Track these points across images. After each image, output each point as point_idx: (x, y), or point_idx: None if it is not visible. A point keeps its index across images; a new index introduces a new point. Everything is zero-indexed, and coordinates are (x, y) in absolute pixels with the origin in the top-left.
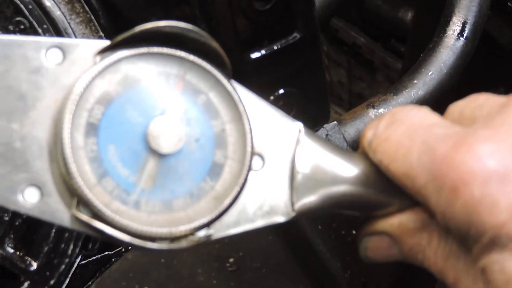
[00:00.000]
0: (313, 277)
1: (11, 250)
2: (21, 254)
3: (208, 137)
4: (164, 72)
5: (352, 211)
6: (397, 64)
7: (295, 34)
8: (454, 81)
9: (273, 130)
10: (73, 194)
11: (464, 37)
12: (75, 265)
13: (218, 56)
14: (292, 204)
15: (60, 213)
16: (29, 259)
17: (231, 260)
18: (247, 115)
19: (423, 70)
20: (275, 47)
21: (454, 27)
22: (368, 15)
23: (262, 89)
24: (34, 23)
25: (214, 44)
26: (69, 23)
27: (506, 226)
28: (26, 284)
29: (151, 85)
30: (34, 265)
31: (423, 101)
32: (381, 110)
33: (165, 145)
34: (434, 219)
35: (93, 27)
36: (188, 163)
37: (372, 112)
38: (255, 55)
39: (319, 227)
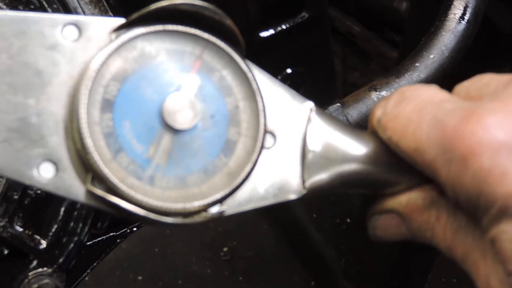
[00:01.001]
0: (307, 266)
1: (20, 229)
2: (30, 232)
3: (222, 114)
4: (179, 50)
5: (362, 189)
6: (392, 54)
7: (303, 14)
8: (455, 64)
9: (285, 108)
10: (88, 170)
11: (466, 20)
12: (84, 244)
13: (232, 35)
14: (303, 181)
15: (75, 188)
16: (38, 237)
17: (225, 249)
18: (260, 93)
19: (424, 53)
20: (284, 27)
21: (456, 10)
22: (363, 4)
23: (270, 68)
24: (44, 3)
25: (229, 22)
26: (79, 3)
27: None
28: (34, 263)
29: (166, 62)
30: (43, 244)
31: (424, 84)
32: (383, 93)
33: (180, 121)
34: (442, 196)
35: (102, 7)
36: (202, 139)
37: (374, 95)
38: (263, 34)
39: (314, 215)
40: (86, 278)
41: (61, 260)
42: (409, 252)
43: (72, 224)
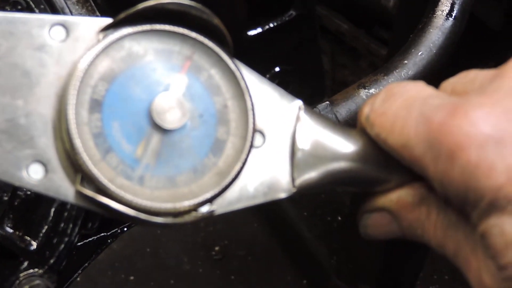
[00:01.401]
0: (299, 264)
1: (11, 230)
2: (21, 233)
3: (210, 113)
4: (167, 49)
5: (352, 187)
6: (381, 51)
7: (291, 12)
8: (443, 61)
9: (274, 107)
10: (78, 170)
11: (453, 17)
12: (74, 244)
13: (220, 34)
14: (293, 180)
15: (64, 189)
16: (28, 238)
17: (217, 248)
18: (249, 92)
19: (413, 50)
20: (272, 25)
21: (443, 7)
22: (351, 2)
23: (259, 66)
24: (31, 3)
25: (216, 21)
26: (66, 3)
27: (504, 189)
28: (25, 264)
29: (154, 62)
30: (34, 245)
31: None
32: (372, 90)
33: (169, 121)
34: (432, 192)
35: (89, 7)
36: (191, 139)
37: (363, 92)
38: (251, 32)
39: (305, 213)
40: (78, 279)
41: (52, 261)
42: (401, 249)
43: (62, 225)
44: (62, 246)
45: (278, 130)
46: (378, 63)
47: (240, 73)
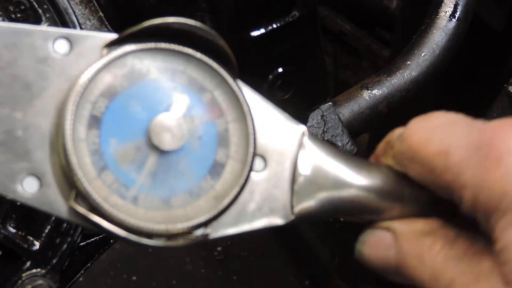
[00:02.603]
0: (301, 265)
1: (13, 230)
2: (23, 234)
3: (211, 135)
4: (171, 68)
5: (353, 218)
6: (383, 52)
7: (294, 13)
8: (446, 62)
9: (277, 132)
10: (72, 186)
11: (456, 18)
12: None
13: (225, 55)
14: (292, 207)
15: (58, 205)
16: (31, 238)
17: (219, 249)
18: (251, 116)
19: (416, 51)
20: (275, 25)
21: (446, 8)
22: (354, 2)
23: (261, 67)
24: (35, 3)
25: (222, 42)
26: (69, 3)
27: None
28: (28, 264)
29: (156, 80)
30: (37, 245)
31: (416, 82)
32: (375, 91)
33: (166, 142)
34: (444, 227)
35: (92, 7)
36: (189, 160)
37: (366, 93)
38: (254, 33)
39: None
40: (80, 279)
41: (54, 261)
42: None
43: (65, 225)
44: (65, 246)
45: (280, 155)
46: (381, 64)
47: (243, 96)
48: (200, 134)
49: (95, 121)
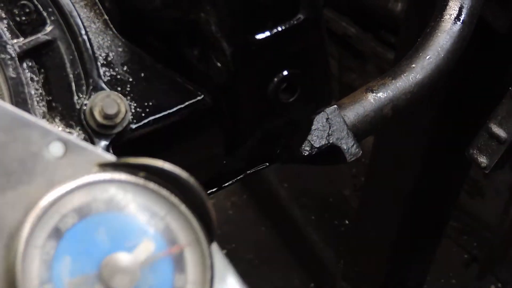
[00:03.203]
0: (306, 268)
1: None
2: None
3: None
4: (151, 211)
5: None
6: (388, 55)
7: (299, 16)
8: (451, 65)
9: None
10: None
11: (461, 21)
12: None
13: (208, 218)
14: None
15: None
16: None
17: (224, 251)
18: (212, 283)
19: (420, 54)
20: (280, 28)
21: (451, 11)
22: (358, 5)
23: (266, 70)
24: (39, 6)
25: (209, 206)
26: (74, 6)
27: None
28: None
29: (133, 217)
30: None
31: (421, 85)
32: (380, 94)
33: (114, 283)
34: None
35: (97, 10)
36: None
37: (371, 96)
38: (259, 36)
39: (312, 217)
40: None
41: None
42: (407, 253)
43: None
44: None
45: None
46: (385, 67)
47: (212, 262)
48: (153, 285)
49: (57, 234)
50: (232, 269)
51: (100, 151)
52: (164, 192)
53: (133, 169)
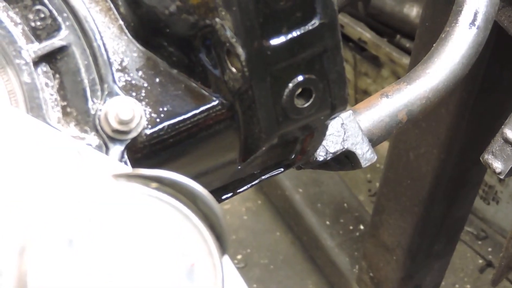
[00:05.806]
0: (321, 273)
1: None
2: None
3: None
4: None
5: None
6: (403, 60)
7: (314, 21)
8: (466, 70)
9: None
10: None
11: (476, 26)
12: None
13: (221, 230)
14: None
15: None
16: None
17: (239, 256)
18: None
19: (435, 59)
20: (295, 34)
21: (466, 16)
22: (374, 11)
23: (281, 76)
24: (54, 11)
25: (222, 218)
26: (89, 11)
27: None
28: None
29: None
30: None
31: (436, 91)
32: (394, 100)
33: None
34: None
35: (112, 16)
36: None
37: (386, 102)
38: (274, 41)
39: (327, 222)
40: None
41: None
42: (422, 259)
43: None
44: None
45: None
46: (400, 72)
47: (223, 274)
48: None
49: (70, 244)
50: (244, 282)
51: (115, 161)
52: (178, 204)
53: (146, 180)
